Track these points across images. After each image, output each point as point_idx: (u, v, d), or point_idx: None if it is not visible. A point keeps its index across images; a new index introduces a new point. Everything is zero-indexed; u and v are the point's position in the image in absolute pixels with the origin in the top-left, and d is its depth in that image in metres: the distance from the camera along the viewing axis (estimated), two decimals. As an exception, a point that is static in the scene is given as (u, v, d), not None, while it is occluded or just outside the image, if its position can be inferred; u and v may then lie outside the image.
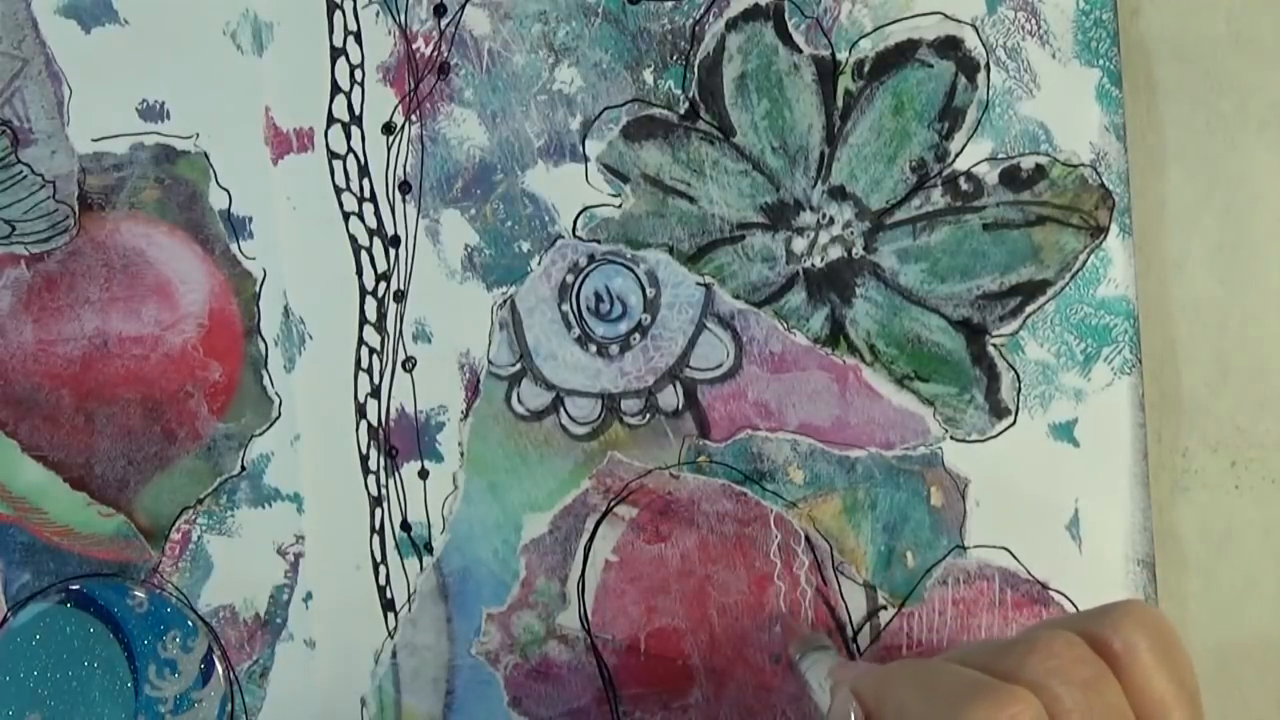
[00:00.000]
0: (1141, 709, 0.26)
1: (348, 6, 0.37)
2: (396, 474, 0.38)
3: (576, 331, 0.38)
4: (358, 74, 0.37)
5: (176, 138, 0.38)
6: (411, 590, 0.38)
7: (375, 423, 0.38)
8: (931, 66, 0.37)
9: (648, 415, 0.38)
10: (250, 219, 0.38)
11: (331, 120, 0.38)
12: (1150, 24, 0.36)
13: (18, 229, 0.38)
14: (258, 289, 0.38)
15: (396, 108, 0.38)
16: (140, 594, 0.38)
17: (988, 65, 0.37)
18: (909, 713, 0.26)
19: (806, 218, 0.37)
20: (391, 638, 0.38)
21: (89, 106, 0.38)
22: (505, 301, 0.38)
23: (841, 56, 0.37)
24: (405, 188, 0.38)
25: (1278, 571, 0.37)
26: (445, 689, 0.38)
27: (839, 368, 0.37)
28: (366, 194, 0.38)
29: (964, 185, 0.37)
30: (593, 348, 0.38)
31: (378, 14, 0.37)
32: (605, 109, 0.37)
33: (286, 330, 0.38)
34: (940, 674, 0.27)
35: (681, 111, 0.37)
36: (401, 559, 0.38)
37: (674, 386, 0.38)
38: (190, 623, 0.38)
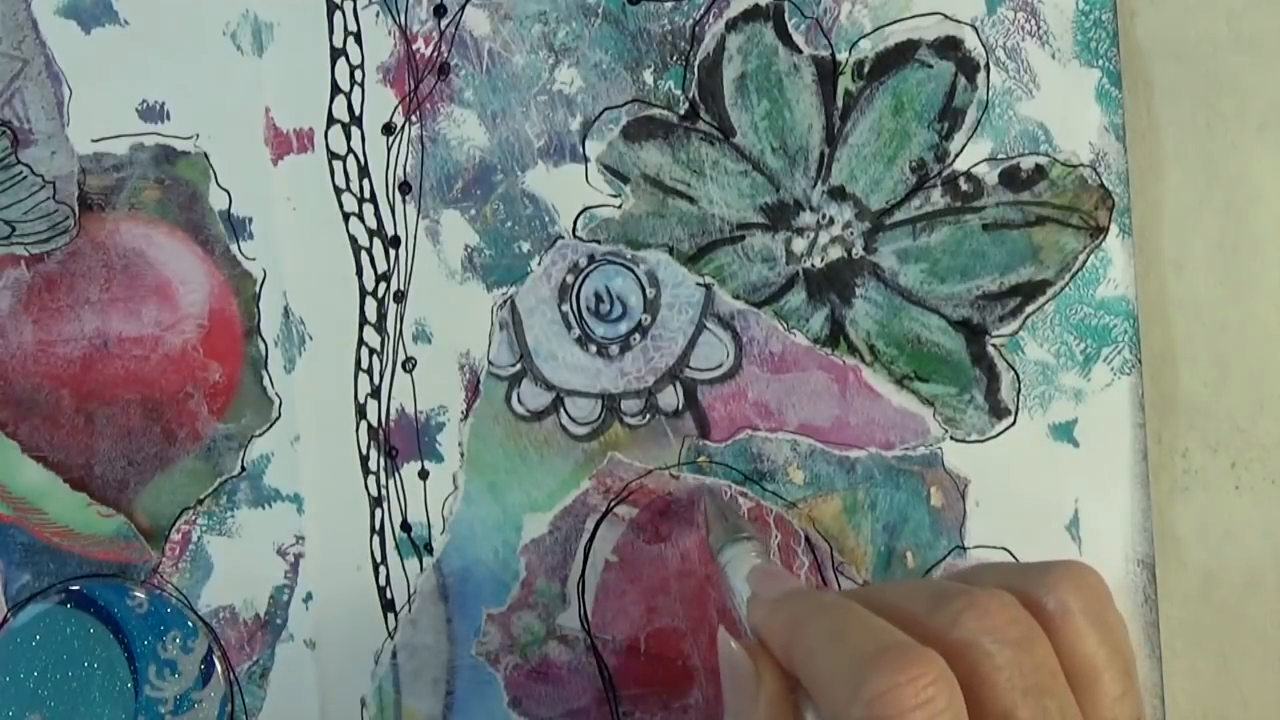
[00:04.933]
0: (1072, 670, 0.26)
1: (348, 7, 0.37)
2: (396, 474, 0.38)
3: (576, 332, 0.38)
4: (358, 74, 0.37)
5: (176, 138, 0.38)
6: (411, 591, 0.38)
7: (375, 423, 0.38)
8: (931, 67, 0.37)
9: (648, 415, 0.38)
10: (250, 219, 0.38)
11: (331, 121, 0.38)
12: (1150, 24, 0.36)
13: (18, 229, 0.38)
14: (258, 289, 0.38)
15: (396, 108, 0.38)
16: (140, 594, 0.38)
17: (987, 65, 0.37)
18: (817, 665, 0.26)
19: (806, 218, 0.37)
20: (391, 638, 0.38)
21: (89, 107, 0.38)
22: (505, 302, 0.38)
23: (841, 57, 0.37)
24: (405, 188, 0.38)
25: (1278, 571, 0.37)
26: (445, 689, 0.38)
27: (839, 368, 0.37)
28: (366, 194, 0.38)
29: (964, 185, 0.37)
30: (593, 348, 0.38)
31: (378, 14, 0.37)
32: (605, 109, 0.37)
33: (286, 331, 0.38)
34: (855, 625, 0.26)
35: (681, 112, 0.37)
36: (401, 559, 0.38)
37: (674, 387, 0.38)
38: (190, 623, 0.38)
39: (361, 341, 0.38)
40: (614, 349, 0.38)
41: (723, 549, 0.34)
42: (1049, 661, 0.26)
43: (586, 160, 0.37)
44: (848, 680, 0.25)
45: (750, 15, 0.37)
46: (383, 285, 0.38)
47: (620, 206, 0.37)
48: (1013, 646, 0.25)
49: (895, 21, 0.37)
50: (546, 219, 0.38)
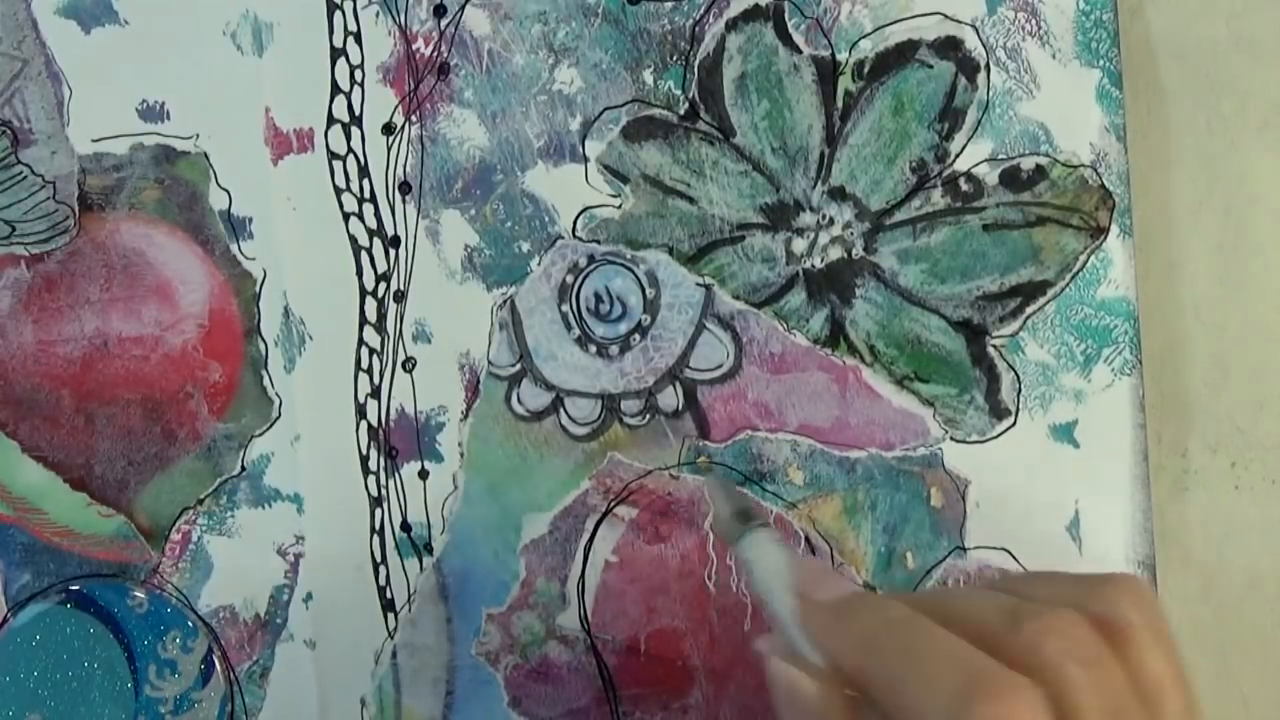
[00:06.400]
0: (1140, 688, 0.26)
1: (348, 7, 0.37)
2: (396, 474, 0.38)
3: (576, 332, 0.38)
4: (358, 74, 0.37)
5: (176, 138, 0.38)
6: (411, 590, 0.38)
7: (375, 423, 0.38)
8: (931, 67, 0.37)
9: (648, 416, 0.38)
10: (250, 219, 0.38)
11: (331, 121, 0.38)
12: (1151, 25, 0.36)
13: (18, 229, 0.38)
14: (258, 289, 0.38)
15: (396, 108, 0.37)
16: (140, 594, 0.38)
17: (988, 66, 0.37)
18: (905, 694, 0.25)
19: (806, 218, 0.37)
20: (391, 638, 0.38)
21: (89, 107, 0.38)
22: (505, 302, 0.38)
23: (841, 57, 0.37)
24: (405, 188, 0.38)
25: (1278, 571, 0.37)
26: (445, 689, 0.38)
27: (839, 368, 0.37)
28: (366, 194, 0.38)
29: (964, 186, 0.37)
30: (593, 348, 0.38)
31: (378, 14, 0.37)
32: (605, 109, 0.37)
33: (286, 330, 0.38)
34: (939, 649, 0.26)
35: (681, 112, 0.37)
36: (401, 559, 0.38)
37: (674, 387, 0.38)
38: (190, 623, 0.38)
39: (361, 341, 0.38)
40: (614, 349, 0.38)
41: (740, 538, 0.31)
42: (1126, 682, 0.25)
43: (586, 160, 0.37)
44: (944, 713, 0.24)
45: (750, 15, 0.37)
46: (383, 285, 0.38)
47: (620, 206, 0.37)
48: (1094, 668, 0.25)
49: (895, 21, 0.37)
50: (546, 219, 0.38)
